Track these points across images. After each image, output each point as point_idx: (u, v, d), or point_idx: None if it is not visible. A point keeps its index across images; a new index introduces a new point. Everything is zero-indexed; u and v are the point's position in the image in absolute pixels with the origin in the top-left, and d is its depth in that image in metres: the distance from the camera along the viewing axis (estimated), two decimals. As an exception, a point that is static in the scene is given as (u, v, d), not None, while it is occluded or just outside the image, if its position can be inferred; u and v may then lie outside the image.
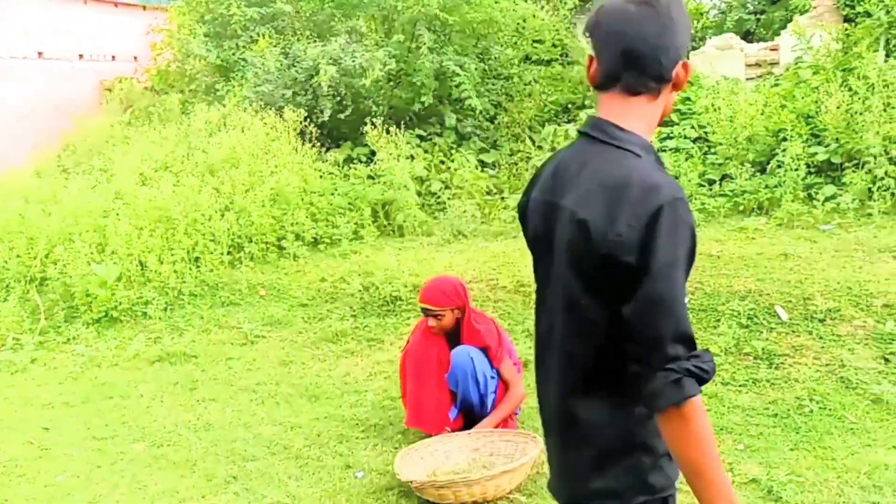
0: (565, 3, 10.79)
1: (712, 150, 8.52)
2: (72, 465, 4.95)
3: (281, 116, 9.17)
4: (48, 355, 6.82)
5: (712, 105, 8.77)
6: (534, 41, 11.47)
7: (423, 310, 4.72)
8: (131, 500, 4.47)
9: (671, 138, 8.67)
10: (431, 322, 4.68)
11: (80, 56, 12.58)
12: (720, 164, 8.31)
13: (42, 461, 5.04)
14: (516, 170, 9.36)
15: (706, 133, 8.73)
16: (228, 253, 7.86)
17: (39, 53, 11.90)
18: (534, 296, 6.72)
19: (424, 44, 9.42)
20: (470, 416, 4.69)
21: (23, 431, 5.50)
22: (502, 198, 8.93)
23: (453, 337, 4.74)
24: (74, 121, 11.55)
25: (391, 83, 9.89)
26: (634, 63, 1.84)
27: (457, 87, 9.66)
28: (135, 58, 13.05)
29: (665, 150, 8.43)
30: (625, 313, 1.75)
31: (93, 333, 7.02)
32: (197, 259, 7.74)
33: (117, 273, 7.38)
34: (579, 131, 1.94)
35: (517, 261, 7.16)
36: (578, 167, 1.87)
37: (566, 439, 1.94)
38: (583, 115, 9.76)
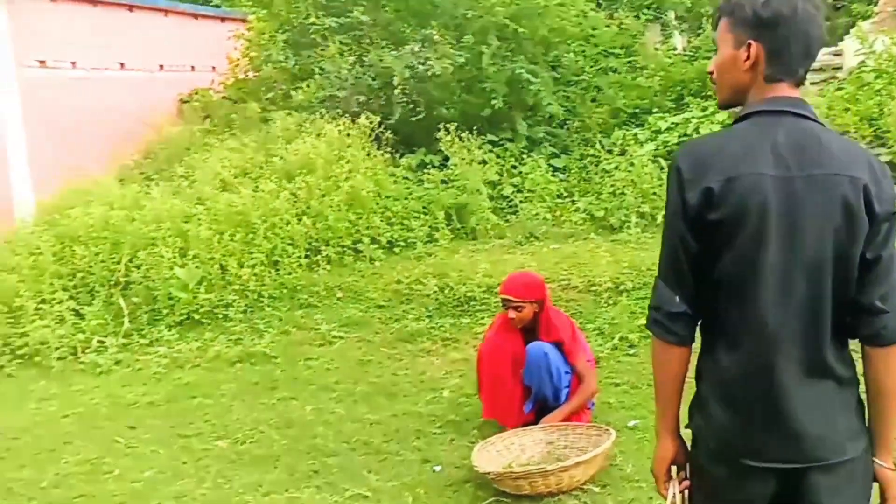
0: (638, 14, 10.80)
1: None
2: (158, 462, 5.10)
3: (355, 122, 9.33)
4: (132, 357, 7.02)
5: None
6: (604, 50, 11.46)
7: (504, 301, 4.81)
8: (216, 494, 4.60)
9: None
10: (511, 314, 4.76)
11: (161, 67, 12.92)
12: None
13: (129, 458, 5.20)
14: (586, 174, 9.36)
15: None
16: (306, 256, 8.03)
17: (121, 65, 12.26)
18: (605, 295, 6.73)
19: (493, 52, 9.50)
20: (544, 411, 4.74)
21: (109, 430, 5.68)
22: (573, 201, 8.94)
23: (529, 332, 4.81)
24: (154, 129, 11.88)
25: (463, 88, 9.98)
26: (811, 60, 2.08)
27: (534, 95, 9.73)
28: (213, 68, 13.36)
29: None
30: (885, 257, 2.01)
31: (175, 335, 7.21)
32: (275, 262, 7.91)
33: (198, 276, 7.58)
34: (784, 110, 2.04)
35: (588, 262, 7.19)
36: (818, 142, 2.00)
37: (813, 397, 2.02)
38: (651, 120, 9.74)
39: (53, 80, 11.14)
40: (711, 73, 2.16)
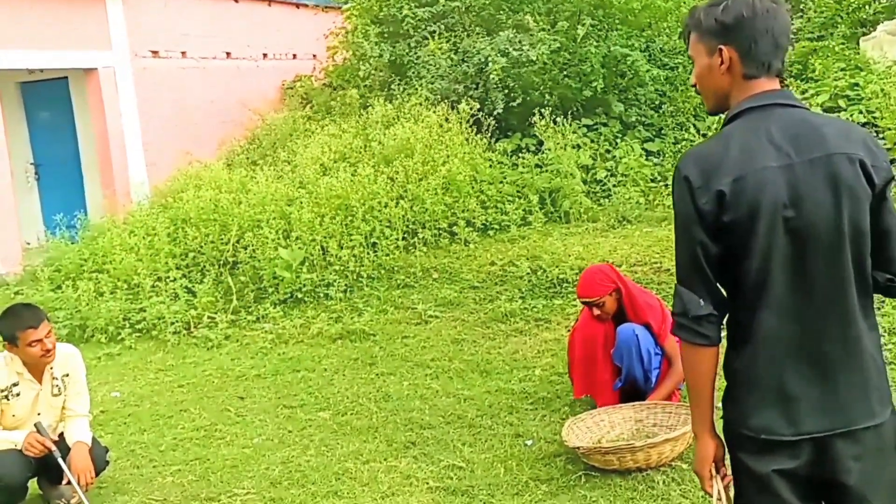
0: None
1: (880, 136, 8.24)
2: (265, 430, 5.41)
3: (454, 109, 9.51)
4: (240, 332, 7.37)
5: (881, 90, 8.49)
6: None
7: (584, 303, 4.90)
8: (320, 461, 4.86)
9: (837, 124, 8.42)
10: (595, 311, 4.85)
11: (265, 55, 13.34)
12: (889, 150, 8.04)
13: (238, 426, 5.53)
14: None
15: (875, 119, 8.44)
16: (403, 238, 8.25)
17: (227, 53, 12.71)
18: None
19: (587, 29, 9.55)
20: (634, 391, 4.83)
21: (220, 400, 6.04)
22: (666, 185, 8.92)
23: (619, 315, 4.88)
24: (259, 116, 12.29)
25: (560, 73, 10.04)
26: (784, 51, 2.18)
27: (630, 66, 9.74)
28: (314, 56, 13.71)
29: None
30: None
31: (279, 313, 7.52)
32: (374, 244, 8.15)
33: (301, 257, 7.88)
34: (771, 104, 2.14)
35: (682, 245, 7.19)
36: (810, 126, 2.11)
37: (850, 367, 2.12)
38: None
39: (165, 69, 11.65)
40: (695, 85, 2.29)
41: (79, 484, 4.28)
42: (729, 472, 2.27)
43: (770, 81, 2.17)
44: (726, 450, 2.26)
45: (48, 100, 11.86)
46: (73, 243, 9.29)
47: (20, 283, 9.20)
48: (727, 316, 2.20)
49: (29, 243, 11.23)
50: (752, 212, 2.06)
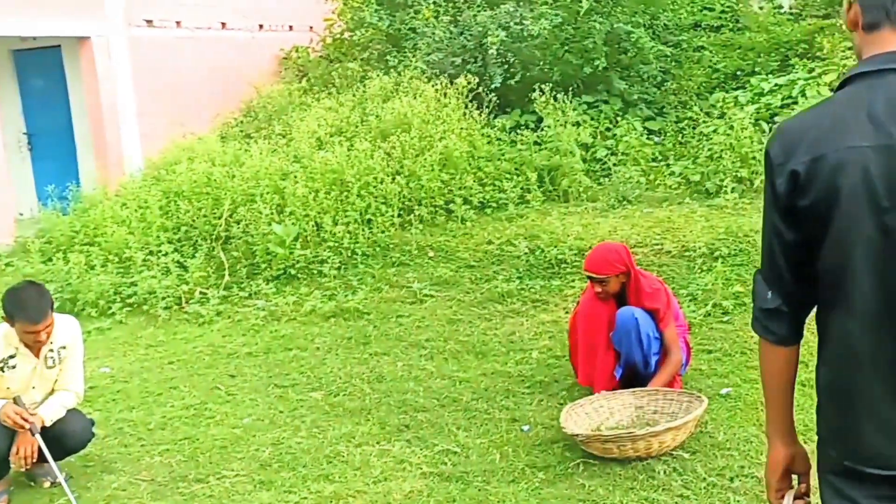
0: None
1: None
2: (256, 410, 5.32)
3: (452, 83, 9.36)
4: (232, 309, 7.27)
5: (892, 70, 8.35)
6: (703, 7, 11.17)
7: (589, 277, 4.79)
8: (311, 443, 4.77)
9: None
10: (597, 288, 4.74)
11: (261, 26, 13.16)
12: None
13: (228, 405, 5.44)
14: (682, 137, 9.20)
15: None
16: (399, 215, 8.13)
17: (223, 24, 12.52)
18: (700, 260, 6.61)
19: (590, 5, 9.40)
20: (633, 376, 4.74)
21: (211, 378, 5.94)
22: (667, 164, 8.81)
23: (621, 299, 4.79)
24: (254, 88, 12.13)
25: (562, 48, 9.88)
26: None
27: (633, 43, 9.57)
28: (310, 27, 13.53)
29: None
30: None
31: (272, 289, 7.41)
32: (369, 221, 8.04)
33: (295, 233, 7.77)
34: (888, 68, 1.78)
35: (682, 227, 7.10)
36: None
37: None
38: (753, 81, 9.47)
39: (159, 39, 11.48)
40: None
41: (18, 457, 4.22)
42: (809, 487, 2.04)
43: (885, 35, 1.80)
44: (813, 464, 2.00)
45: (41, 68, 11.68)
46: (64, 215, 9.20)
47: (11, 255, 9.10)
48: (816, 317, 1.92)
49: (22, 214, 11.12)
50: (830, 198, 1.74)
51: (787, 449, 2.02)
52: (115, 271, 7.80)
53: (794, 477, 2.05)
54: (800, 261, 1.86)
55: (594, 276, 4.73)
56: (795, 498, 2.03)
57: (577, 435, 4.22)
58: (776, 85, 9.07)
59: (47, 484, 4.47)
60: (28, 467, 4.32)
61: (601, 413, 4.50)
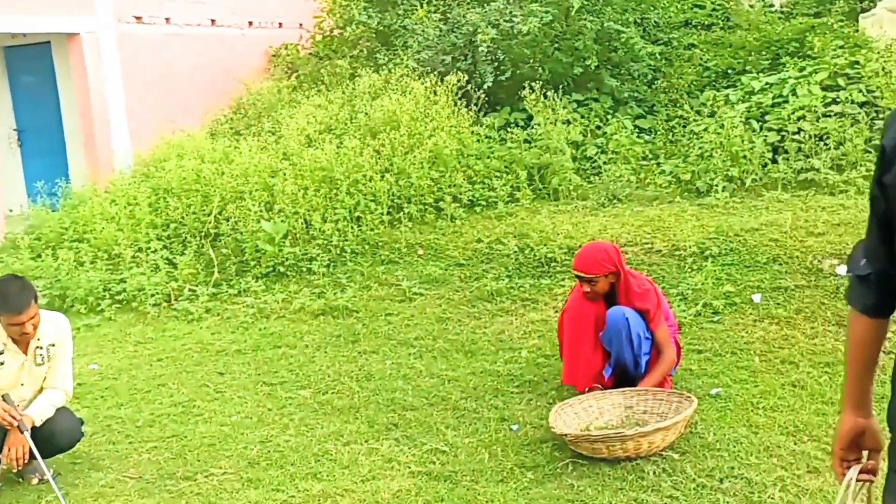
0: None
1: (880, 116, 8.12)
2: (244, 408, 5.30)
3: (441, 81, 9.34)
4: (221, 306, 7.26)
5: (882, 69, 8.35)
6: (694, 5, 11.17)
7: (577, 276, 4.78)
8: (299, 441, 4.75)
9: (837, 103, 8.29)
10: (586, 288, 4.73)
11: (250, 23, 13.10)
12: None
13: (217, 403, 5.42)
14: (673, 135, 9.20)
15: (875, 98, 8.32)
16: (388, 213, 8.12)
17: (213, 21, 12.47)
18: (690, 260, 6.55)
19: (581, 3, 9.39)
20: (624, 376, 4.73)
21: (199, 375, 5.93)
22: (658, 163, 8.80)
23: (611, 298, 4.77)
24: (244, 85, 12.09)
25: (552, 46, 9.87)
26: None
27: (624, 43, 9.56)
28: (300, 24, 13.49)
29: (830, 116, 8.09)
30: None
31: (261, 286, 7.40)
32: (358, 218, 8.03)
33: (284, 230, 7.76)
34: None
35: (672, 226, 7.10)
36: None
37: None
38: (744, 80, 9.48)
39: (149, 35, 11.43)
40: None
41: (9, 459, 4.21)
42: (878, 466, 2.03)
43: None
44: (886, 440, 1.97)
45: (31, 65, 11.62)
46: (54, 211, 9.18)
47: (0, 252, 9.05)
48: None
49: (11, 210, 11.07)
50: None
51: (857, 420, 2.01)
52: (104, 268, 7.79)
53: (864, 453, 2.03)
54: (890, 234, 1.86)
55: (583, 275, 4.72)
56: (861, 472, 2.02)
57: (565, 435, 4.21)
58: (767, 83, 9.07)
59: (35, 481, 4.44)
60: (20, 468, 4.31)
61: (590, 413, 4.49)
